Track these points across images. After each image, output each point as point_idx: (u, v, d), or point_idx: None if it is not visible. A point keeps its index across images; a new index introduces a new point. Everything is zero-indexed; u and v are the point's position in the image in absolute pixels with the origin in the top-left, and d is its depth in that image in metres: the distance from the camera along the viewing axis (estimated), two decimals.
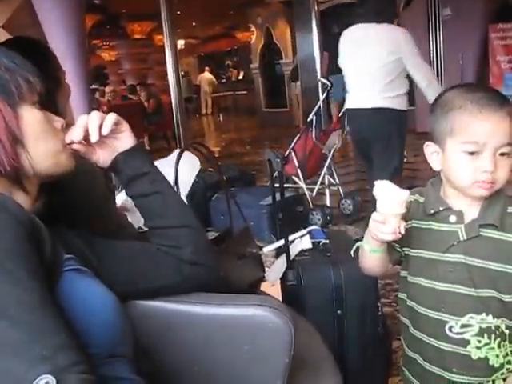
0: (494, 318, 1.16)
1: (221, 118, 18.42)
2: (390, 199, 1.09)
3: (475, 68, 7.55)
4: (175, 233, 1.09)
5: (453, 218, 1.18)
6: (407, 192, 1.10)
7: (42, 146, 0.95)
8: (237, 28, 17.25)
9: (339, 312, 1.68)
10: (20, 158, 0.92)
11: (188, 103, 17.21)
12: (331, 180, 4.67)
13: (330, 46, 8.08)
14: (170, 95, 9.90)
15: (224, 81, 21.32)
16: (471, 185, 1.13)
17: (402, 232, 1.11)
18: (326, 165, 4.51)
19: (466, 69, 7.54)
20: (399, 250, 1.26)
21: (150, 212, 1.11)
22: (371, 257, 1.24)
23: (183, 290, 1.11)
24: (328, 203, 4.61)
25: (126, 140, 1.09)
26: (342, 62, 3.67)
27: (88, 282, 0.90)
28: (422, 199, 1.25)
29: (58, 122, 1.01)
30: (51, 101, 1.54)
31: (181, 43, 18.15)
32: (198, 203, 4.27)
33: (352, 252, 1.33)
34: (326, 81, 4.87)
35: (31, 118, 0.94)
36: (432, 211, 1.21)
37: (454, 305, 1.18)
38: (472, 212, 1.17)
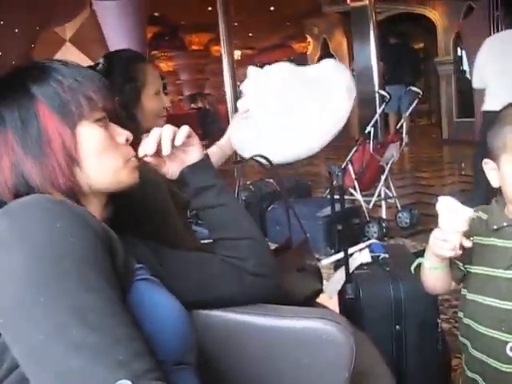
0: None
1: None
2: (453, 216, 1.08)
3: None
4: (239, 244, 1.11)
5: None
6: (471, 210, 1.09)
7: (100, 164, 0.95)
8: (293, 38, 17.29)
9: (398, 327, 1.66)
10: (76, 177, 0.92)
11: None
12: (388, 192, 4.61)
13: (386, 57, 8.08)
14: (226, 105, 10.10)
15: None
16: None
17: (466, 246, 1.09)
18: (383, 177, 4.46)
19: None
20: (462, 268, 1.24)
21: (215, 224, 1.13)
22: (431, 274, 1.23)
23: (245, 300, 1.12)
24: (384, 216, 4.56)
25: (194, 153, 1.11)
26: (488, 65, 3.64)
27: (157, 291, 0.92)
28: (485, 216, 1.23)
29: (122, 135, 1.01)
30: (129, 115, 1.59)
31: (237, 54, 18.35)
32: (253, 213, 4.29)
33: (412, 268, 1.32)
34: (384, 92, 4.83)
35: (90, 136, 0.94)
36: (495, 227, 1.19)
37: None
38: None
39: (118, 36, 4.51)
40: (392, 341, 1.68)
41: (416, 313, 1.65)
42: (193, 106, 10.23)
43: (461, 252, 1.11)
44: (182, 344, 0.90)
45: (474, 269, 1.23)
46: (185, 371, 0.89)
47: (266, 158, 1.81)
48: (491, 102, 3.60)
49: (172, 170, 1.11)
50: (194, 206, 1.15)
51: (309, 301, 1.46)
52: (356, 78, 7.38)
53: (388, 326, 1.65)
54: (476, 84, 3.82)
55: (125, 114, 1.57)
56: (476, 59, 3.72)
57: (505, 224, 1.18)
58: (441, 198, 1.11)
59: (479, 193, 3.45)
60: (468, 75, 9.28)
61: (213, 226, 1.14)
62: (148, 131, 1.66)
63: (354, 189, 4.35)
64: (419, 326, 1.66)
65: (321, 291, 1.53)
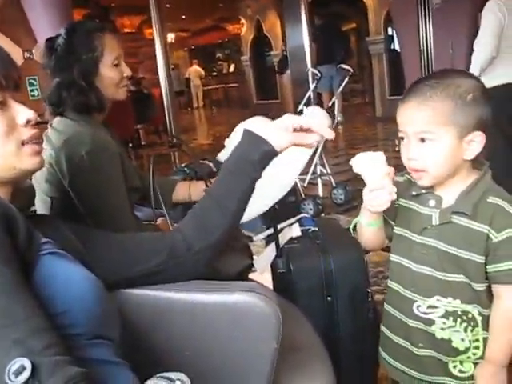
0: (462, 303, 1.18)
1: (212, 111, 18.38)
2: (372, 165, 1.13)
3: (465, 55, 7.55)
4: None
5: (432, 203, 1.20)
6: (380, 152, 1.14)
7: None
8: (227, 20, 17.18)
9: (329, 298, 1.68)
10: None
11: (180, 97, 17.17)
12: (322, 170, 4.67)
13: (318, 37, 8.15)
14: (160, 89, 9.95)
15: (215, 74, 21.25)
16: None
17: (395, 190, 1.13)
18: (317, 155, 4.51)
19: (456, 56, 7.53)
20: (392, 222, 1.28)
21: None
22: (368, 230, 1.27)
23: (172, 276, 1.12)
24: (320, 193, 4.62)
25: None
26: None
27: (66, 264, 0.91)
28: (412, 180, 1.26)
29: (22, 116, 0.96)
30: (88, 84, 1.62)
31: (171, 36, 18.09)
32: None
33: (351, 228, 1.36)
34: (315, 70, 4.87)
35: None
36: (415, 193, 1.23)
37: (424, 286, 1.21)
38: (450, 198, 1.18)
39: (41, 20, 4.33)
40: (324, 312, 1.70)
41: (347, 283, 1.67)
42: (133, 88, 10.01)
43: (395, 198, 1.14)
44: (96, 316, 0.88)
45: (397, 230, 1.27)
46: (103, 346, 0.88)
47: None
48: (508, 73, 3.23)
49: None
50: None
51: (240, 276, 1.46)
52: (289, 58, 7.48)
53: (319, 297, 1.67)
54: (486, 47, 3.26)
55: (84, 83, 1.61)
56: (490, 18, 3.25)
57: (423, 191, 1.21)
58: (352, 161, 1.16)
59: None
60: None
61: None
62: (111, 100, 1.67)
63: None
64: (350, 297, 1.68)
65: (250, 266, 1.53)
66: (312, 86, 4.82)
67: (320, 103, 7.07)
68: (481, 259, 1.14)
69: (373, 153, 1.14)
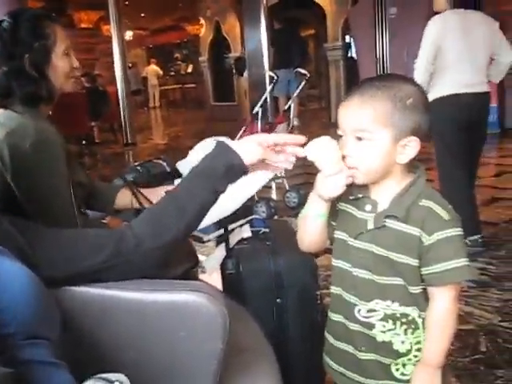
0: (401, 305, 1.19)
1: (169, 112, 18.26)
2: (326, 150, 1.13)
3: None
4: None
5: (368, 207, 1.20)
6: (328, 137, 1.16)
7: None
8: (186, 20, 17.10)
9: (279, 300, 1.68)
10: None
11: (136, 95, 16.98)
12: (277, 173, 4.68)
13: (276, 41, 8.21)
14: (116, 87, 9.81)
15: (173, 73, 21.11)
16: None
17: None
18: None
19: (410, 66, 7.69)
20: (333, 223, 1.28)
21: None
22: (315, 224, 1.24)
23: (120, 274, 1.11)
24: (273, 196, 4.64)
25: None
26: (451, 40, 3.39)
27: (2, 260, 0.88)
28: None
29: None
30: (39, 73, 1.56)
31: (129, 34, 17.89)
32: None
33: (298, 221, 1.32)
34: (272, 73, 4.89)
35: None
36: (352, 197, 1.23)
37: (363, 290, 1.21)
38: (385, 202, 1.19)
39: None
40: (273, 314, 1.70)
41: (296, 285, 1.68)
42: (87, 85, 9.84)
43: (345, 188, 1.15)
44: (31, 315, 0.86)
45: (336, 233, 1.27)
46: (39, 346, 0.85)
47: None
48: (448, 86, 3.46)
49: None
50: None
51: (187, 276, 1.44)
52: (247, 61, 7.50)
53: (269, 299, 1.67)
54: (426, 64, 3.48)
55: (35, 72, 1.54)
56: (430, 38, 3.47)
57: (360, 195, 1.22)
58: (305, 150, 1.16)
59: None
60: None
61: None
62: (60, 91, 1.62)
63: None
64: (299, 299, 1.69)
65: (195, 266, 1.52)
66: (268, 88, 4.84)
67: (276, 107, 7.13)
68: (415, 262, 1.15)
69: (324, 138, 1.14)
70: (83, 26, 14.41)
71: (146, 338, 1.11)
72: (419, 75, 3.44)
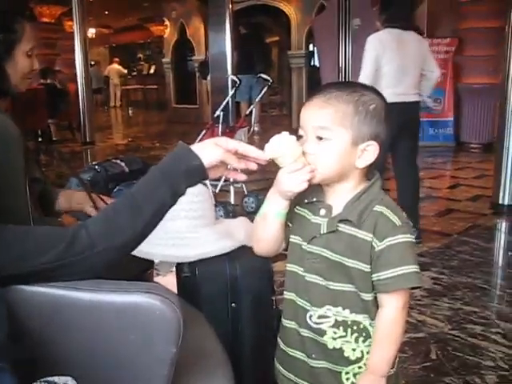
0: (351, 313, 1.19)
1: (130, 112, 18.08)
2: (286, 147, 1.13)
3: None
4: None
5: (322, 212, 1.20)
6: (287, 132, 1.15)
7: None
8: (150, 21, 16.95)
9: (234, 305, 1.67)
10: None
11: (97, 94, 16.75)
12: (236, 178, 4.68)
13: (240, 46, 8.23)
14: (77, 84, 9.66)
15: (135, 74, 20.90)
16: None
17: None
18: None
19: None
20: (290, 224, 1.27)
21: None
22: (274, 223, 1.23)
23: (72, 273, 1.08)
24: (232, 200, 4.63)
25: None
26: (388, 58, 3.88)
27: None
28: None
29: None
30: None
31: (92, 32, 17.64)
32: (98, 194, 4.15)
33: (254, 223, 1.31)
34: (234, 78, 4.90)
35: None
36: (306, 201, 1.23)
37: (315, 295, 1.21)
38: (339, 207, 1.19)
39: None
40: (228, 318, 1.69)
41: (252, 290, 1.67)
42: (41, 81, 9.63)
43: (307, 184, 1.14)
44: None
45: (291, 237, 1.27)
46: None
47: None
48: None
49: None
50: None
51: (141, 278, 1.43)
52: (210, 65, 7.49)
53: (224, 303, 1.66)
54: (369, 78, 3.88)
55: None
56: (370, 55, 3.93)
57: (314, 199, 1.22)
58: (265, 148, 1.15)
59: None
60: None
61: None
62: (14, 89, 1.57)
63: None
64: (255, 303, 1.68)
65: (150, 267, 1.50)
66: (230, 93, 4.84)
67: (238, 112, 7.13)
68: (367, 268, 1.15)
69: (284, 133, 1.14)
70: (45, 20, 14.09)
71: (96, 339, 1.09)
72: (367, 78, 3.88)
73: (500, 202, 4.70)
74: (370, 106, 1.16)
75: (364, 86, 1.21)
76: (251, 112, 4.74)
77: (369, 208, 1.16)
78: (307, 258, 1.22)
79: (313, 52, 10.58)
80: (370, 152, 1.16)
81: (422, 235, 4.02)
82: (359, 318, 1.19)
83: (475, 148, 7.89)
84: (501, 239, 4.38)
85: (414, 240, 1.17)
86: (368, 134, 1.16)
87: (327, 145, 1.14)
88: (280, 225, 1.23)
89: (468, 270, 3.45)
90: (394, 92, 3.67)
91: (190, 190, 1.63)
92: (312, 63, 10.66)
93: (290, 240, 1.27)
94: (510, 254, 3.91)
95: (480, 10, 7.45)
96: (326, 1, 9.37)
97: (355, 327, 1.20)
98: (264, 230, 1.27)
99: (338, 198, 1.19)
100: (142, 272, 1.43)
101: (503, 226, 4.58)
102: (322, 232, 1.19)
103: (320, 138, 1.14)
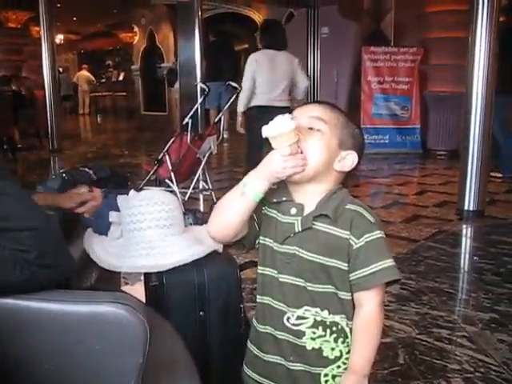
0: (330, 313, 1.20)
1: (98, 119, 17.91)
2: (284, 127, 1.13)
3: (348, 85, 7.93)
4: (19, 235, 1.06)
5: (293, 211, 1.21)
6: (287, 115, 1.16)
7: None
8: (119, 27, 16.86)
9: (202, 313, 1.67)
10: None
11: (65, 101, 16.57)
12: (205, 185, 4.68)
13: (209, 54, 8.24)
14: (44, 91, 9.52)
15: (104, 81, 20.73)
16: None
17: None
18: (200, 169, 4.51)
19: (340, 85, 7.90)
20: (255, 218, 1.26)
21: None
22: (247, 203, 1.19)
23: (29, 289, 1.07)
24: (201, 208, 4.62)
25: None
26: (260, 72, 5.09)
27: None
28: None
29: None
30: None
31: (60, 38, 17.47)
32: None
33: (226, 197, 1.25)
34: (203, 85, 4.90)
35: None
36: (275, 200, 1.24)
37: (291, 296, 1.21)
38: (310, 206, 1.20)
39: None
40: (196, 326, 1.69)
41: (220, 298, 1.67)
42: (6, 88, 9.48)
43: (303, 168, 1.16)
44: None
45: (261, 239, 1.27)
46: None
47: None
48: (260, 100, 5.10)
49: None
50: None
51: (107, 286, 1.41)
52: (179, 72, 7.48)
53: (192, 311, 1.66)
54: (248, 86, 5.07)
55: None
56: (249, 70, 5.10)
57: (284, 199, 1.23)
58: (264, 128, 1.14)
59: None
60: None
61: None
62: None
63: (171, 180, 4.34)
64: (223, 312, 1.69)
65: (114, 276, 1.49)
66: (199, 100, 4.84)
67: (207, 119, 7.13)
68: (344, 266, 1.16)
69: (286, 115, 1.14)
70: (11, 25, 13.89)
71: (61, 351, 1.08)
72: (244, 93, 5.05)
73: (465, 207, 4.78)
74: (355, 130, 1.25)
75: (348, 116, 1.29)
76: (220, 119, 4.75)
77: (341, 206, 1.18)
78: (280, 259, 1.22)
79: None
80: (349, 160, 1.21)
81: (390, 242, 4.06)
82: (337, 318, 1.20)
83: (442, 155, 8.03)
84: (466, 244, 4.46)
85: (384, 236, 1.19)
86: (351, 146, 1.22)
87: (318, 135, 1.19)
88: (250, 207, 1.19)
89: (434, 275, 3.49)
90: (267, 98, 4.98)
91: (160, 199, 1.63)
92: None
93: (261, 242, 1.27)
94: (475, 258, 3.98)
95: (445, 20, 7.60)
96: (295, 9, 9.45)
97: (334, 328, 1.20)
98: (229, 211, 1.22)
99: (309, 197, 1.21)
100: (108, 281, 1.42)
101: (468, 231, 4.66)
102: (296, 230, 1.19)
103: (311, 129, 1.19)
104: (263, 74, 5.04)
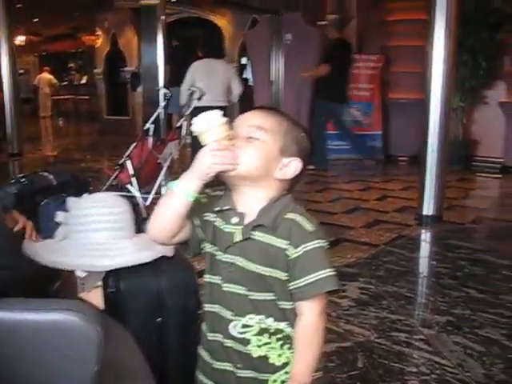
0: (275, 321, 1.20)
1: (60, 122, 17.64)
2: (215, 123, 1.13)
3: (312, 91, 7.99)
4: None
5: (234, 220, 1.21)
6: (217, 111, 1.15)
7: None
8: (82, 30, 16.64)
9: (160, 319, 1.66)
10: None
11: (26, 104, 16.26)
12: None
13: (173, 58, 8.20)
14: (3, 93, 9.32)
15: (66, 83, 20.42)
16: None
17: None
18: (162, 175, 4.49)
19: (303, 89, 7.95)
20: (197, 222, 1.26)
21: None
22: (179, 202, 1.17)
23: None
24: None
25: None
26: (199, 77, 6.06)
27: None
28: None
29: None
30: None
31: (20, 39, 17.15)
32: (26, 207, 4.01)
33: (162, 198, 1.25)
34: (166, 90, 4.89)
35: None
36: (218, 208, 1.24)
37: (236, 305, 1.22)
38: (252, 215, 1.20)
39: None
40: (154, 333, 1.68)
41: (178, 305, 1.67)
42: None
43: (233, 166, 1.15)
44: None
45: (206, 247, 1.27)
46: None
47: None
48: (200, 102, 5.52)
49: None
50: None
51: (63, 294, 1.40)
52: (142, 77, 7.43)
53: (150, 318, 1.65)
54: (186, 88, 5.88)
55: None
56: (189, 75, 6.14)
57: (226, 207, 1.23)
58: (194, 122, 1.15)
59: None
60: (251, 82, 9.83)
61: None
62: None
63: (132, 185, 4.31)
64: (181, 318, 1.68)
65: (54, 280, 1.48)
66: (161, 105, 4.82)
67: (170, 124, 7.10)
68: (283, 276, 1.17)
69: (216, 111, 1.15)
70: None
71: (13, 360, 1.06)
72: (183, 95, 5.89)
73: (424, 212, 4.87)
74: (300, 135, 1.24)
75: (295, 120, 1.28)
76: (182, 124, 4.74)
77: (281, 215, 1.18)
78: (223, 268, 1.22)
79: (245, 65, 10.67)
80: (292, 167, 1.21)
81: (351, 246, 4.14)
82: (282, 325, 1.21)
83: (402, 161, 8.17)
84: (425, 249, 4.55)
85: (326, 244, 1.19)
86: (294, 153, 1.22)
87: (257, 144, 1.18)
88: (184, 207, 1.18)
89: (394, 279, 3.55)
90: (205, 99, 5.42)
91: (109, 203, 1.62)
92: (244, 76, 10.74)
93: (205, 250, 1.27)
94: (433, 263, 4.07)
95: (405, 29, 7.76)
96: (259, 16, 9.50)
97: (279, 335, 1.21)
98: (165, 209, 1.21)
99: (251, 206, 1.21)
100: (64, 288, 1.41)
101: (427, 236, 4.77)
102: (235, 240, 1.20)
103: (251, 139, 1.18)
104: (202, 79, 5.91)
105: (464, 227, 4.91)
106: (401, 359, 2.53)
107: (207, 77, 5.97)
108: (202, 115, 1.14)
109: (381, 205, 5.70)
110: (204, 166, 1.14)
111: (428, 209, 4.86)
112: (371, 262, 3.88)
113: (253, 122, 1.20)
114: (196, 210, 1.23)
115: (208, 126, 1.13)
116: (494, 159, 7.73)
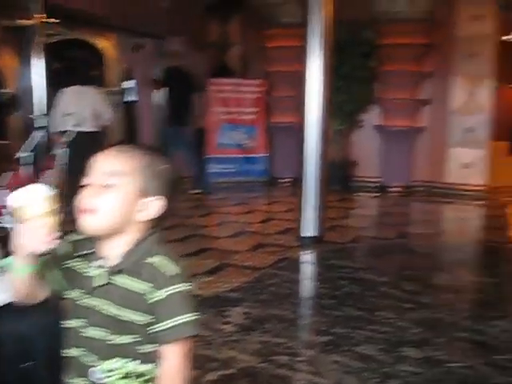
0: (141, 363, 1.18)
1: None
2: (38, 196, 1.07)
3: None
4: None
5: (96, 264, 1.19)
6: (42, 185, 1.10)
7: None
8: None
9: (27, 364, 1.59)
10: None
11: None
12: None
13: (55, 81, 7.92)
14: None
15: None
16: None
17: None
18: None
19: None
20: (62, 274, 1.22)
21: None
22: (24, 278, 1.13)
23: None
24: None
25: None
26: (68, 104, 6.11)
27: None
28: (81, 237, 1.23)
29: None
30: None
31: None
32: None
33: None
34: (42, 117, 4.72)
35: None
36: (83, 252, 1.21)
37: (99, 349, 1.18)
38: (116, 258, 1.19)
39: None
40: (22, 379, 1.60)
41: (46, 349, 1.60)
42: None
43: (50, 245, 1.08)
44: None
45: (67, 292, 1.23)
46: None
47: None
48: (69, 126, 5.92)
49: None
50: None
51: None
52: (21, 100, 7.11)
53: (15, 364, 1.57)
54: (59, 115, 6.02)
55: None
56: (61, 101, 6.10)
57: (90, 251, 1.21)
58: (11, 197, 1.08)
59: None
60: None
61: None
62: None
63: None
64: (49, 363, 1.61)
65: None
66: (37, 132, 4.64)
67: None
68: (147, 320, 1.16)
69: (39, 185, 1.10)
70: None
71: None
72: (55, 121, 6.05)
73: (305, 234, 4.99)
74: (162, 167, 1.22)
75: (156, 152, 1.26)
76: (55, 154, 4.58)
77: (143, 259, 1.17)
78: (85, 313, 1.19)
79: (128, 88, 10.55)
80: (153, 208, 1.20)
81: (236, 271, 4.17)
82: (149, 367, 1.18)
83: (286, 183, 8.37)
84: (306, 270, 4.67)
85: (190, 287, 1.19)
86: (154, 190, 1.20)
87: (113, 191, 1.15)
88: (30, 279, 1.13)
89: (277, 302, 3.61)
90: (72, 124, 5.86)
91: None
92: (125, 100, 10.62)
93: (68, 295, 1.23)
94: (315, 283, 4.19)
95: (284, 55, 8.01)
96: (145, 39, 9.45)
97: (148, 376, 1.19)
98: (18, 284, 1.16)
99: (115, 249, 1.19)
100: None
101: (308, 257, 4.88)
102: (96, 285, 1.17)
103: (106, 187, 1.15)
104: (69, 105, 6.08)
105: (344, 247, 5.09)
106: (285, 383, 2.57)
107: (74, 102, 6.14)
108: (28, 187, 1.08)
109: (265, 227, 5.80)
110: (25, 243, 1.08)
111: (308, 230, 4.97)
112: (255, 286, 3.92)
113: (106, 168, 1.17)
114: (58, 260, 1.19)
115: (30, 200, 1.07)
116: (371, 179, 8.14)
